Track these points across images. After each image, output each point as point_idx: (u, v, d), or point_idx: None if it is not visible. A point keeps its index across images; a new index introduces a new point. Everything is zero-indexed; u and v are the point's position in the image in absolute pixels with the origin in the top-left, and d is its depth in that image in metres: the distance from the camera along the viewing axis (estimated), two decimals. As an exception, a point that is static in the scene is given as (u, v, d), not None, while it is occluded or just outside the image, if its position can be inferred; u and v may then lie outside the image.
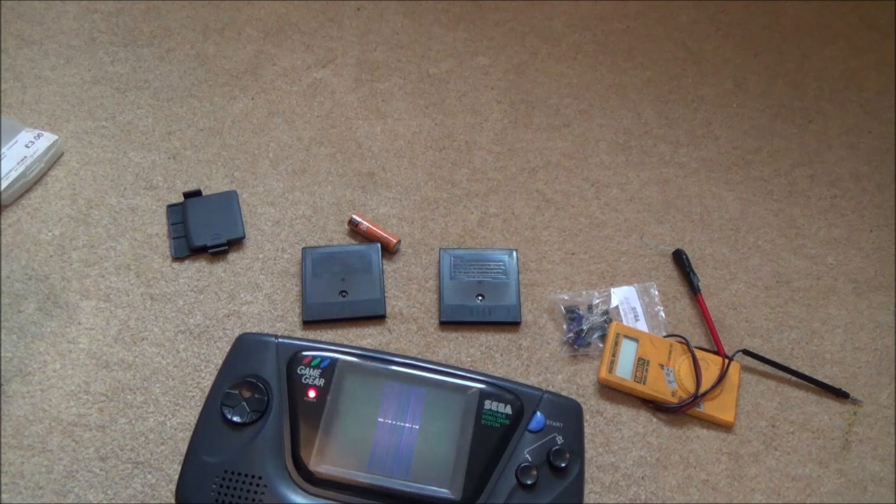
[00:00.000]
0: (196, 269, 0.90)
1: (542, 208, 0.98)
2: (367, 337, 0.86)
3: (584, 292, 0.91)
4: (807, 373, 0.86)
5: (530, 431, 0.74)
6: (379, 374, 0.76)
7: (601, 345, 0.87)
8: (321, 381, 0.74)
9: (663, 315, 0.90)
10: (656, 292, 0.92)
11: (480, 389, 0.75)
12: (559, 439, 0.74)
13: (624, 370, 0.84)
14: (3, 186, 0.91)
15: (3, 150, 0.94)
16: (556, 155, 1.04)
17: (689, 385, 0.83)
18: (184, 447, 0.76)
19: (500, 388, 0.76)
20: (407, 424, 0.73)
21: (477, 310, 0.88)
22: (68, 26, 1.11)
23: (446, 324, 0.88)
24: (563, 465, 0.72)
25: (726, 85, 1.15)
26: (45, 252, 0.89)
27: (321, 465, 0.70)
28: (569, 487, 0.71)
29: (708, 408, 0.82)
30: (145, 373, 0.82)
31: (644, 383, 0.83)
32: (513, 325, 0.88)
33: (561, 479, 0.72)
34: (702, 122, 1.10)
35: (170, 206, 0.94)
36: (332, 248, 0.91)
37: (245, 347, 0.77)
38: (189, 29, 1.13)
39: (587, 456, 0.79)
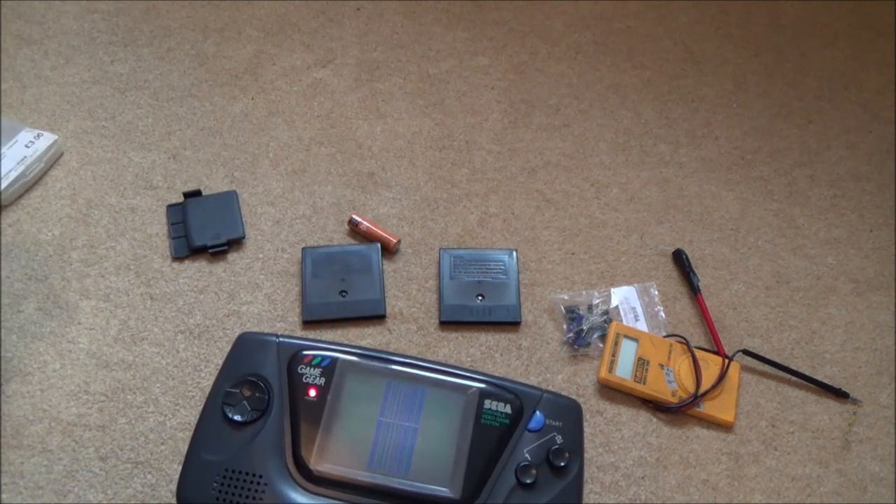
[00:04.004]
0: (196, 269, 0.90)
1: (542, 208, 0.99)
2: (367, 337, 0.86)
3: (584, 292, 0.91)
4: (807, 373, 0.86)
5: (530, 431, 0.74)
6: (379, 373, 0.76)
7: (601, 345, 0.87)
8: (322, 381, 0.74)
9: (663, 315, 0.90)
10: (656, 292, 0.92)
11: (480, 389, 0.75)
12: (558, 439, 0.74)
13: (624, 370, 0.84)
14: (3, 186, 0.91)
15: (2, 150, 0.94)
16: (556, 155, 1.04)
17: (689, 385, 0.83)
18: (184, 447, 0.76)
19: (499, 388, 0.76)
20: (407, 423, 0.73)
21: (477, 310, 0.88)
22: (68, 26, 1.11)
23: (446, 324, 0.88)
24: (562, 464, 0.72)
25: (726, 85, 1.15)
26: (45, 252, 0.89)
27: (322, 464, 0.70)
28: (568, 486, 0.71)
29: (708, 408, 0.82)
30: (145, 373, 0.82)
31: (644, 383, 0.83)
32: (513, 325, 0.88)
33: (560, 479, 0.72)
34: (702, 122, 1.10)
35: (170, 206, 0.94)
36: (332, 248, 0.91)
37: (246, 346, 0.77)
38: (189, 29, 1.13)
39: (587, 456, 0.79)
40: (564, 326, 0.88)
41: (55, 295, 0.86)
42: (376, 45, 1.14)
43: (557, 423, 0.75)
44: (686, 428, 0.82)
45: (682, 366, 0.85)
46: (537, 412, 0.75)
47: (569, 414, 0.76)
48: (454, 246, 0.94)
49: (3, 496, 0.73)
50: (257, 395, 0.73)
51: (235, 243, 0.92)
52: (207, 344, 0.84)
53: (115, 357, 0.82)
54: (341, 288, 0.88)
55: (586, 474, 0.78)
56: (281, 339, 0.77)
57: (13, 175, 0.92)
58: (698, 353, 0.85)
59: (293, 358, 0.76)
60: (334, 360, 0.76)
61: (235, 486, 0.69)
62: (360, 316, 0.87)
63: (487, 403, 0.75)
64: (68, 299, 0.86)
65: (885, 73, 1.19)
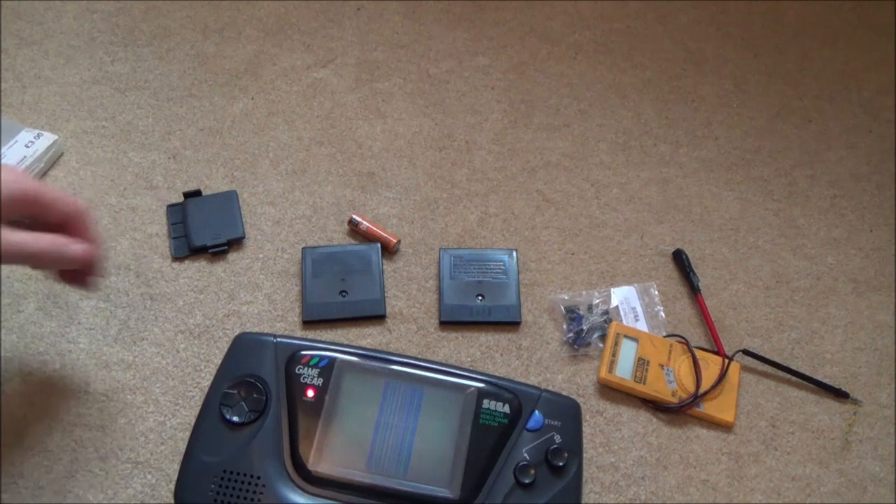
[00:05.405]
0: (196, 269, 0.90)
1: (542, 208, 0.98)
2: (367, 337, 0.86)
3: (584, 292, 0.91)
4: (807, 373, 0.86)
5: (528, 430, 0.74)
6: (377, 373, 0.76)
7: (601, 345, 0.87)
8: (319, 381, 0.74)
9: (663, 315, 0.90)
10: (656, 292, 0.92)
11: (479, 388, 0.75)
12: (557, 438, 0.74)
13: (624, 370, 0.84)
14: (4, 186, 0.91)
15: (2, 150, 0.94)
16: (556, 155, 1.04)
17: (689, 385, 0.83)
18: (184, 447, 0.76)
19: (498, 387, 0.76)
20: (405, 424, 0.73)
21: (477, 310, 0.88)
22: (68, 26, 1.11)
23: (446, 324, 0.88)
24: (561, 464, 0.72)
25: (726, 85, 1.15)
26: (45, 252, 0.89)
27: (320, 465, 0.70)
28: (567, 486, 0.71)
29: (708, 408, 0.82)
30: (145, 373, 0.82)
31: (644, 383, 0.83)
32: (513, 325, 0.88)
33: (559, 478, 0.72)
34: (702, 122, 1.10)
35: (170, 206, 0.94)
36: (332, 248, 0.91)
37: (243, 347, 0.77)
38: (189, 29, 1.13)
39: (587, 456, 0.79)
40: (564, 326, 0.88)
41: (55, 295, 0.86)
42: (376, 45, 1.14)
43: (556, 423, 0.75)
44: (686, 428, 0.82)
45: (682, 366, 0.85)
46: (536, 412, 0.75)
47: (568, 413, 0.76)
48: (454, 246, 0.94)
49: (3, 496, 0.73)
50: (255, 395, 0.73)
51: (235, 243, 0.92)
52: (207, 344, 0.84)
53: (115, 357, 0.82)
54: (341, 288, 0.88)
55: (586, 474, 0.78)
56: (279, 340, 0.77)
57: (13, 175, 0.92)
58: (698, 353, 0.85)
59: (291, 358, 0.76)
60: (332, 360, 0.76)
61: (233, 488, 0.69)
62: (360, 316, 0.87)
63: (486, 403, 0.74)
64: (68, 299, 0.86)
65: (885, 73, 1.19)
